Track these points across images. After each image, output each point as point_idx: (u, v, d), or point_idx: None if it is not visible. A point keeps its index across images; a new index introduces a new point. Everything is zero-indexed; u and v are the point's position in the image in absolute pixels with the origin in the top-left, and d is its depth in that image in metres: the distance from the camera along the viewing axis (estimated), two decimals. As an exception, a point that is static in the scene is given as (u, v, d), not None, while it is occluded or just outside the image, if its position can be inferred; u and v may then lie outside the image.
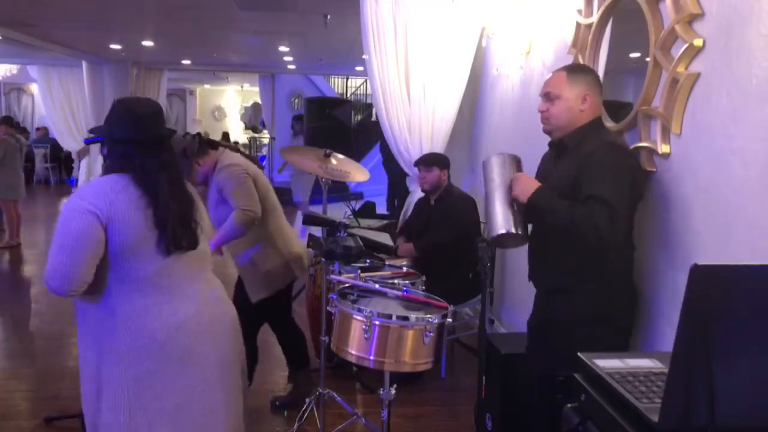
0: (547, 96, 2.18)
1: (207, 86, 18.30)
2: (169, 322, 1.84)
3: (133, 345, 1.81)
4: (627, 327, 2.19)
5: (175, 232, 1.82)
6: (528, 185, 2.07)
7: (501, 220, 2.09)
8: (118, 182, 1.80)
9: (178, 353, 1.85)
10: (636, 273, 2.33)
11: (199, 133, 2.94)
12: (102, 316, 1.81)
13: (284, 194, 11.40)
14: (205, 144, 2.88)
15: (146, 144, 1.84)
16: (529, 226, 2.22)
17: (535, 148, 2.48)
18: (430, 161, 3.83)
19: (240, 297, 2.97)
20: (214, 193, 2.85)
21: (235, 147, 3.12)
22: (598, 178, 1.98)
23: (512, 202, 2.10)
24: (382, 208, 7.55)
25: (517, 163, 2.20)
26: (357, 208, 6.52)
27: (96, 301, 1.81)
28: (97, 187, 1.80)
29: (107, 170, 1.87)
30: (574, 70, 2.20)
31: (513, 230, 2.08)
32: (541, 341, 2.28)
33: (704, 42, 1.98)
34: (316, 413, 2.90)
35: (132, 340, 1.81)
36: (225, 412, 2.00)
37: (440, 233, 3.68)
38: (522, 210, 2.10)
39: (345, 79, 15.03)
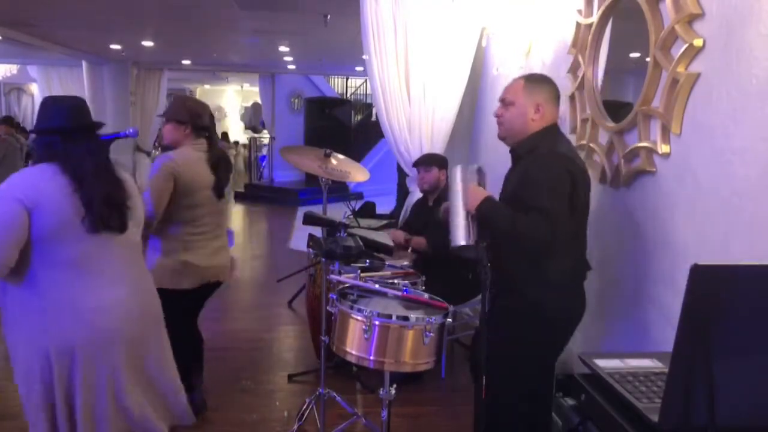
0: (503, 102, 2.25)
1: (207, 86, 18.31)
2: (99, 304, 1.93)
3: (63, 326, 1.89)
4: (566, 330, 2.22)
5: (101, 212, 1.91)
6: (476, 196, 2.11)
7: (460, 232, 2.12)
8: (47, 171, 1.89)
9: (107, 335, 1.95)
10: (635, 272, 2.33)
11: (212, 118, 2.98)
12: (29, 300, 1.89)
13: (289, 195, 11.45)
14: (198, 125, 2.87)
15: (71, 133, 1.95)
16: None
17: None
18: (429, 161, 3.82)
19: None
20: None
21: (218, 157, 2.96)
22: (535, 187, 2.04)
23: (467, 212, 2.14)
24: (382, 208, 7.54)
25: (478, 174, 2.22)
26: (357, 208, 6.52)
27: (20, 284, 1.88)
28: (26, 175, 1.90)
29: (35, 161, 1.97)
30: (531, 79, 2.25)
31: (469, 241, 2.10)
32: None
33: (704, 42, 1.98)
34: (316, 413, 2.90)
35: (62, 321, 1.89)
36: (141, 397, 2.09)
37: None
38: (475, 220, 2.14)
39: (345, 79, 15.03)
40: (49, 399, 1.93)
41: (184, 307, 2.95)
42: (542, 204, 1.99)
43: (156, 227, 2.77)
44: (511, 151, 2.29)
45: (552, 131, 2.22)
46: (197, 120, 2.87)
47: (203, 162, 2.86)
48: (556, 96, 2.26)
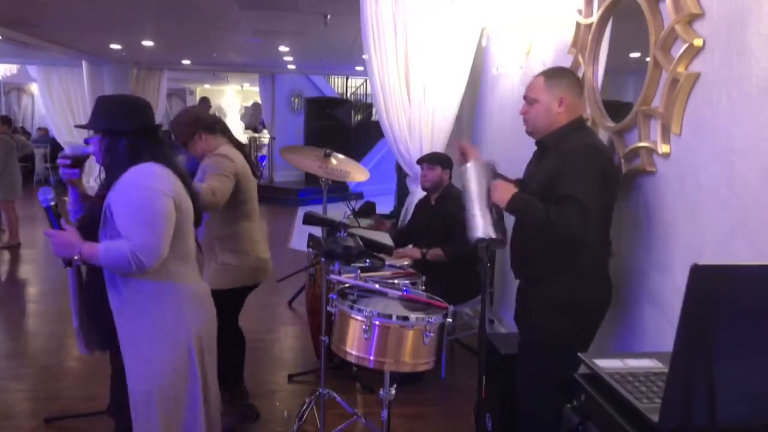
0: (527, 99, 2.30)
1: (207, 86, 18.28)
2: (203, 290, 2.11)
3: (195, 315, 2.03)
4: (597, 319, 2.26)
5: (198, 206, 2.08)
6: (504, 191, 2.14)
7: (481, 225, 2.15)
8: (163, 169, 1.95)
9: (210, 317, 2.13)
10: (635, 272, 2.33)
11: (219, 118, 3.03)
12: (162, 289, 1.96)
13: (289, 195, 11.44)
14: (219, 126, 2.93)
15: (151, 133, 2.00)
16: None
17: (535, 147, 2.48)
18: (433, 159, 3.82)
19: None
20: (200, 175, 2.79)
21: (240, 146, 3.02)
22: (570, 178, 2.06)
23: (491, 207, 2.17)
24: (382, 208, 7.54)
25: (492, 170, 2.28)
26: (357, 208, 6.51)
27: (157, 276, 1.94)
28: (156, 171, 1.93)
29: (115, 165, 1.94)
30: (551, 74, 2.29)
31: (492, 235, 2.13)
32: (521, 329, 2.39)
33: (704, 42, 1.98)
34: (316, 413, 2.90)
35: (193, 311, 2.02)
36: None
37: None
38: (500, 214, 2.19)
39: (345, 79, 15.02)
40: (182, 389, 1.99)
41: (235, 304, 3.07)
42: (575, 193, 2.01)
43: (223, 231, 2.84)
44: (538, 144, 2.33)
45: (579, 123, 2.27)
46: (199, 122, 2.86)
47: (239, 153, 2.90)
48: (578, 85, 2.31)
